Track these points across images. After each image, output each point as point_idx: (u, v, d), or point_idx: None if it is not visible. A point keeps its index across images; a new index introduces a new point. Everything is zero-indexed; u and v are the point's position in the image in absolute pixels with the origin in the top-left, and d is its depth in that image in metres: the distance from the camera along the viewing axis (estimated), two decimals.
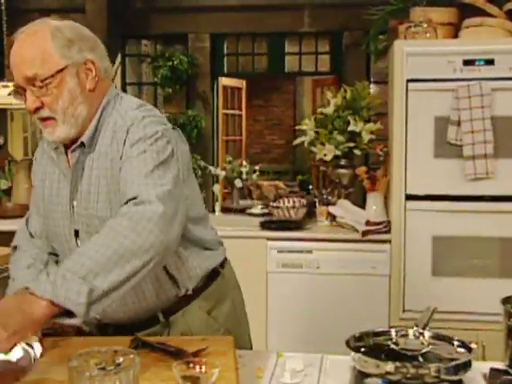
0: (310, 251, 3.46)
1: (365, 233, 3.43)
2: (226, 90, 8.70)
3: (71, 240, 1.67)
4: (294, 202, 3.81)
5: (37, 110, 1.57)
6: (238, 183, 4.43)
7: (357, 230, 3.47)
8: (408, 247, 3.39)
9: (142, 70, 9.34)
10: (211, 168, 5.15)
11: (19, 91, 1.58)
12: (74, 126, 1.59)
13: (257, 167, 4.80)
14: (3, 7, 5.66)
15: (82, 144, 1.62)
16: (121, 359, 1.13)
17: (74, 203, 1.64)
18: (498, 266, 3.31)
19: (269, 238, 3.52)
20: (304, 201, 3.82)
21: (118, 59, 8.70)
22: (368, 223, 3.46)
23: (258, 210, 4.07)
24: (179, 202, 1.51)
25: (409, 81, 3.32)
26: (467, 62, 3.25)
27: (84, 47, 1.60)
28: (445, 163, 3.33)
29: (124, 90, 8.94)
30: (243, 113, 9.30)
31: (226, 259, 1.90)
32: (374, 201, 3.64)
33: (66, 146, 1.66)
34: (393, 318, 3.39)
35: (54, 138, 1.61)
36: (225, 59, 8.58)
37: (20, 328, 1.27)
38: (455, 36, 3.44)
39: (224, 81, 8.58)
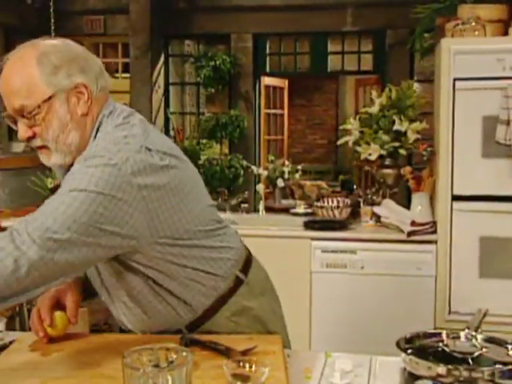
0: (354, 251, 3.44)
1: (410, 233, 3.39)
2: (268, 89, 8.70)
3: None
4: (338, 201, 3.79)
5: (29, 139, 1.52)
6: (280, 183, 4.43)
7: (402, 231, 3.44)
8: (454, 248, 3.34)
9: (185, 70, 9.41)
10: (253, 168, 5.16)
11: (10, 120, 1.54)
12: (67, 153, 1.54)
13: (299, 167, 4.79)
14: (51, 9, 5.73)
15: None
16: (174, 356, 1.13)
17: None
18: None
19: (313, 238, 3.50)
20: (348, 201, 3.80)
21: (161, 59, 8.78)
22: (413, 224, 3.42)
23: (301, 209, 4.06)
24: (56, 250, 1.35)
25: (456, 79, 3.27)
26: None
27: (73, 71, 1.52)
28: (493, 163, 3.27)
29: (167, 90, 9.03)
30: (285, 112, 9.29)
31: (249, 265, 1.78)
32: (419, 201, 3.60)
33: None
34: (438, 320, 3.35)
35: (50, 165, 1.57)
36: (267, 59, 8.60)
37: None
38: (505, 33, 3.37)
39: (266, 80, 8.59)
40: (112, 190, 1.38)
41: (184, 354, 1.14)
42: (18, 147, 8.55)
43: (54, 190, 4.90)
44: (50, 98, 1.49)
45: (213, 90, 8.42)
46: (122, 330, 1.72)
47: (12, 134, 8.87)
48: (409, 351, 1.41)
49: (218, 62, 8.21)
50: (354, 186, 4.04)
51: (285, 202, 4.42)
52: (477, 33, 3.35)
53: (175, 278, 1.60)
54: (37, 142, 1.53)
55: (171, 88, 9.15)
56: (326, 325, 3.49)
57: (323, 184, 4.61)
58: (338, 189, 8.03)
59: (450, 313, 3.36)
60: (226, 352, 1.48)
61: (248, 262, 1.79)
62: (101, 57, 9.96)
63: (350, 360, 1.50)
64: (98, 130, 1.56)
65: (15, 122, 1.54)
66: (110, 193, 1.38)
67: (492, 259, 3.30)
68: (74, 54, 1.55)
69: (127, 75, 9.05)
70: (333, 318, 3.50)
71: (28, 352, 1.54)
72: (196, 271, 1.62)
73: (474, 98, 3.26)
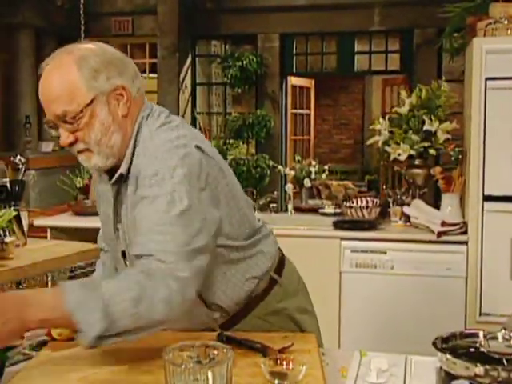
0: (384, 252, 3.43)
1: (440, 234, 3.37)
2: (294, 89, 8.70)
3: (120, 259, 1.69)
4: (367, 201, 3.78)
5: (71, 144, 1.53)
6: (307, 183, 4.43)
7: (432, 231, 3.42)
8: (485, 249, 3.32)
9: (212, 70, 9.45)
10: (280, 167, 5.17)
11: (51, 126, 1.55)
12: (109, 155, 1.55)
13: (326, 167, 4.79)
14: (81, 11, 5.80)
15: (122, 175, 1.57)
16: (215, 353, 1.15)
17: (118, 226, 1.64)
18: None
19: (343, 238, 3.50)
20: (377, 201, 3.79)
21: (189, 60, 8.83)
22: (443, 224, 3.40)
23: (330, 209, 4.06)
24: (202, 259, 1.44)
25: (488, 79, 3.25)
26: None
27: (112, 74, 1.53)
28: None
29: (194, 90, 9.07)
30: (311, 112, 9.28)
31: (283, 266, 1.79)
32: (449, 201, 3.57)
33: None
34: (469, 321, 3.33)
35: (90, 166, 1.58)
36: (294, 59, 8.60)
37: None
38: None
39: (293, 80, 8.59)
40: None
41: (224, 350, 1.15)
42: (48, 147, 8.65)
43: (82, 190, 4.90)
44: (91, 101, 1.51)
45: (239, 90, 8.45)
46: None
47: (42, 134, 8.98)
48: (446, 351, 1.41)
49: (244, 62, 8.23)
50: (384, 186, 4.01)
51: (311, 202, 4.42)
52: (509, 32, 3.32)
53: (215, 279, 1.61)
54: (79, 147, 1.54)
55: (198, 88, 9.19)
56: (356, 325, 3.49)
57: (350, 184, 4.60)
58: (365, 189, 8.02)
59: (480, 314, 3.33)
60: (263, 350, 1.49)
61: (281, 262, 1.80)
62: (129, 57, 10.06)
63: (385, 359, 1.50)
64: (137, 131, 1.57)
65: (56, 128, 1.54)
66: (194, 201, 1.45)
67: None
68: (111, 56, 1.57)
69: (154, 75, 9.11)
70: (362, 318, 3.49)
71: (66, 348, 1.56)
72: (237, 273, 1.65)
73: (505, 97, 3.24)
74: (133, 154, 1.56)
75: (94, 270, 2.81)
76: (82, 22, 5.94)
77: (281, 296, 1.76)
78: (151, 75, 9.68)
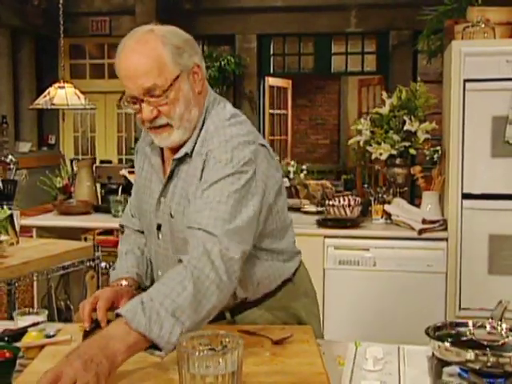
0: (366, 249, 3.52)
1: (421, 231, 3.47)
2: (272, 89, 8.78)
3: (154, 232, 1.75)
4: (349, 200, 3.86)
5: (153, 119, 1.59)
6: (286, 182, 4.50)
7: (413, 228, 3.51)
8: (464, 245, 3.42)
9: None
10: None
11: (133, 101, 1.59)
12: (187, 129, 1.62)
13: (304, 167, 4.88)
14: (61, 11, 5.80)
15: (186, 154, 1.64)
16: (227, 340, 1.21)
17: (162, 199, 1.70)
18: None
19: (326, 236, 3.58)
20: (359, 199, 3.88)
21: None
22: (424, 222, 3.50)
23: (312, 208, 4.13)
24: (248, 242, 1.54)
25: (466, 81, 3.35)
26: None
27: (191, 52, 1.62)
28: (502, 162, 3.36)
29: None
30: (289, 112, 9.36)
31: (299, 266, 1.88)
32: (429, 200, 3.68)
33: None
34: (449, 316, 3.42)
35: (167, 144, 1.65)
36: (271, 59, 8.68)
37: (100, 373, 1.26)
38: None
39: (270, 81, 8.66)
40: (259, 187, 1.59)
41: (235, 338, 1.21)
42: (25, 147, 8.61)
43: (62, 189, 4.89)
44: (177, 77, 1.58)
45: (217, 90, 8.49)
46: None
47: (19, 134, 8.94)
48: (438, 339, 1.49)
49: (222, 63, 8.27)
50: (361, 185, 4.10)
51: (290, 202, 4.49)
52: (486, 35, 3.43)
53: (253, 270, 1.70)
54: (161, 121, 1.60)
55: None
56: (339, 321, 3.56)
57: (327, 183, 4.68)
58: (341, 188, 8.12)
59: (460, 309, 3.43)
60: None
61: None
62: (106, 57, 10.04)
63: (380, 348, 1.58)
64: (205, 113, 1.65)
65: (135, 104, 1.59)
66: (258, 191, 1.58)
67: (501, 256, 3.38)
68: (187, 36, 1.65)
69: None
70: (346, 313, 3.57)
71: (74, 343, 1.60)
72: (272, 270, 1.75)
73: (483, 98, 3.34)
74: (198, 135, 1.63)
75: (88, 267, 2.86)
76: (61, 22, 5.91)
77: (292, 294, 1.83)
78: None
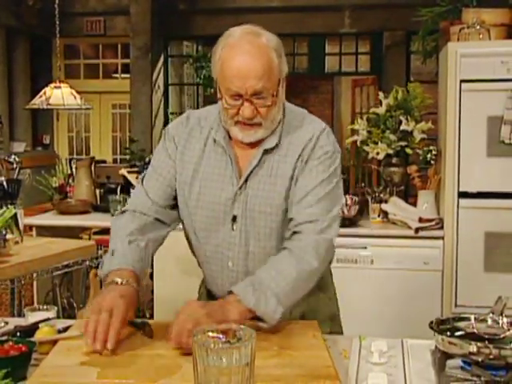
0: (364, 247, 3.56)
1: (418, 229, 3.52)
2: None
3: (226, 223, 1.77)
4: (346, 199, 3.90)
5: (251, 118, 1.68)
6: None
7: (409, 227, 3.56)
8: (460, 243, 3.47)
9: (184, 71, 9.50)
10: None
11: (235, 98, 1.66)
12: (271, 129, 1.74)
13: None
14: (56, 11, 5.82)
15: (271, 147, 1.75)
16: (241, 333, 1.25)
17: (243, 191, 1.75)
18: None
19: None
20: (356, 198, 3.92)
21: (161, 60, 8.87)
22: (421, 220, 3.54)
23: None
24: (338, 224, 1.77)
25: (462, 81, 3.40)
26: None
27: (284, 58, 1.73)
28: (497, 162, 3.41)
29: (166, 90, 9.12)
30: None
31: None
32: (425, 198, 3.73)
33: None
34: (445, 313, 3.46)
35: (250, 139, 1.73)
36: None
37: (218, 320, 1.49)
38: (508, 37, 3.51)
39: None
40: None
41: (248, 331, 1.25)
42: (20, 147, 8.62)
43: (58, 189, 4.91)
44: (279, 82, 1.70)
45: (212, 91, 8.53)
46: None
47: (14, 134, 8.94)
48: (442, 332, 1.54)
49: None
50: (363, 184, 4.14)
51: None
52: (481, 36, 3.48)
53: None
54: (256, 120, 1.69)
55: (170, 88, 9.23)
56: None
57: None
58: None
59: (456, 306, 3.48)
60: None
61: None
62: (100, 57, 10.06)
63: (385, 341, 1.62)
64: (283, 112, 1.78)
65: (236, 100, 1.66)
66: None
67: (497, 254, 3.43)
68: (281, 43, 1.74)
69: (126, 75, 9.14)
70: (343, 311, 3.59)
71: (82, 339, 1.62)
72: None
73: (479, 99, 3.39)
74: (281, 129, 1.76)
75: (89, 266, 2.88)
76: (57, 23, 5.93)
77: (328, 274, 2.02)
78: (123, 75, 9.68)
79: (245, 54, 1.64)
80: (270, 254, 1.74)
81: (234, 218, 1.76)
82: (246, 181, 1.75)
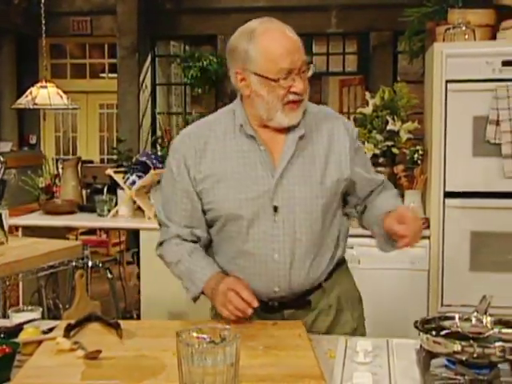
0: (351, 247, 3.56)
1: None
2: None
3: (267, 216, 1.77)
4: None
5: (302, 93, 1.74)
6: None
7: None
8: (446, 243, 3.48)
9: (171, 71, 9.48)
10: None
11: (285, 76, 1.70)
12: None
13: None
14: (42, 10, 5.79)
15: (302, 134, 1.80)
16: (226, 334, 1.25)
17: (283, 181, 1.76)
18: None
19: None
20: None
21: (148, 60, 8.85)
22: None
23: None
24: None
25: (448, 81, 3.42)
26: (506, 63, 3.33)
27: None
28: (483, 161, 3.42)
29: (154, 90, 9.09)
30: None
31: None
32: (411, 198, 3.74)
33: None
34: (431, 312, 3.48)
35: (295, 121, 1.77)
36: None
37: None
38: (493, 37, 3.53)
39: None
40: None
41: (232, 331, 1.25)
42: (6, 147, 8.57)
43: (44, 189, 4.88)
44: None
45: (200, 91, 8.52)
46: None
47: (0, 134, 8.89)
48: (426, 331, 1.54)
49: (204, 63, 8.28)
50: None
51: None
52: (467, 37, 3.50)
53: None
54: (303, 96, 1.76)
55: (158, 88, 9.21)
56: None
57: None
58: None
59: (442, 305, 3.50)
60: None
61: None
62: (87, 57, 10.02)
63: (369, 341, 1.63)
64: None
65: (285, 79, 1.71)
66: None
67: (482, 253, 3.45)
68: None
69: (113, 75, 9.11)
70: None
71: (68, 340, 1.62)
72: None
73: (465, 99, 3.41)
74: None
75: (75, 267, 2.86)
76: (43, 22, 5.90)
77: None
78: (110, 75, 9.65)
79: (283, 32, 1.73)
80: (317, 238, 1.82)
81: (276, 209, 1.77)
82: (285, 170, 1.77)
